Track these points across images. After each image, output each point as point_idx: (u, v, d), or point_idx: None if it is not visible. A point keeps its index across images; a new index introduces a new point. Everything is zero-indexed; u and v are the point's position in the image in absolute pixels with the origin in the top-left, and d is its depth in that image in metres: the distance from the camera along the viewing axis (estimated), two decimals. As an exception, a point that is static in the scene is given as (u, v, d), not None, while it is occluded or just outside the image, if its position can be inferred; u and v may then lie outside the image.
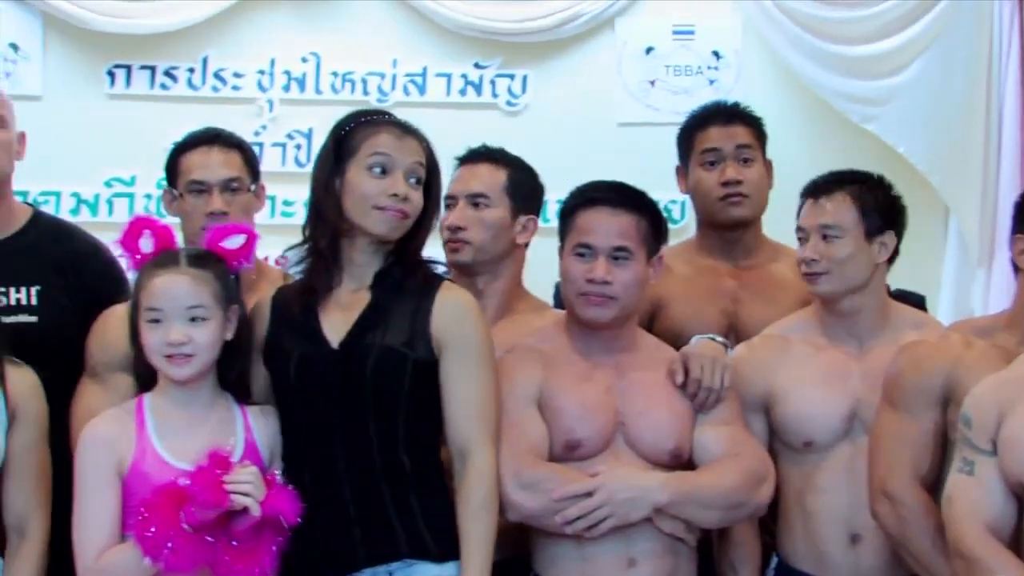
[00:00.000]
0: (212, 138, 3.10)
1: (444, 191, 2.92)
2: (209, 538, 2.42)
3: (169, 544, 2.38)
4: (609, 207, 2.79)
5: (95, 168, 4.88)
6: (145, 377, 2.60)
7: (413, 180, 2.61)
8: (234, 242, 2.62)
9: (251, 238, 2.64)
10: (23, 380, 2.67)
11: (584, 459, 2.72)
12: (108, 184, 4.91)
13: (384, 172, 2.59)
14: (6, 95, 3.20)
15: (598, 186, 2.87)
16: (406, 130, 2.65)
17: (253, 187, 3.10)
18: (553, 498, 2.63)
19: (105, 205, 4.90)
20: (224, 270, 2.58)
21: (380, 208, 2.58)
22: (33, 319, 3.02)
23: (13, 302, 3.01)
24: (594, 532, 2.63)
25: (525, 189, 3.14)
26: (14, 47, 4.84)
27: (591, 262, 2.76)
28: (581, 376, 2.79)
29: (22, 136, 3.19)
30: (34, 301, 3.04)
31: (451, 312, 2.60)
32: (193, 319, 2.50)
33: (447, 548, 2.53)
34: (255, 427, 2.59)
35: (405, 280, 2.62)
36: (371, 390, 2.55)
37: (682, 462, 2.78)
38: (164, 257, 2.55)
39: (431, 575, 2.55)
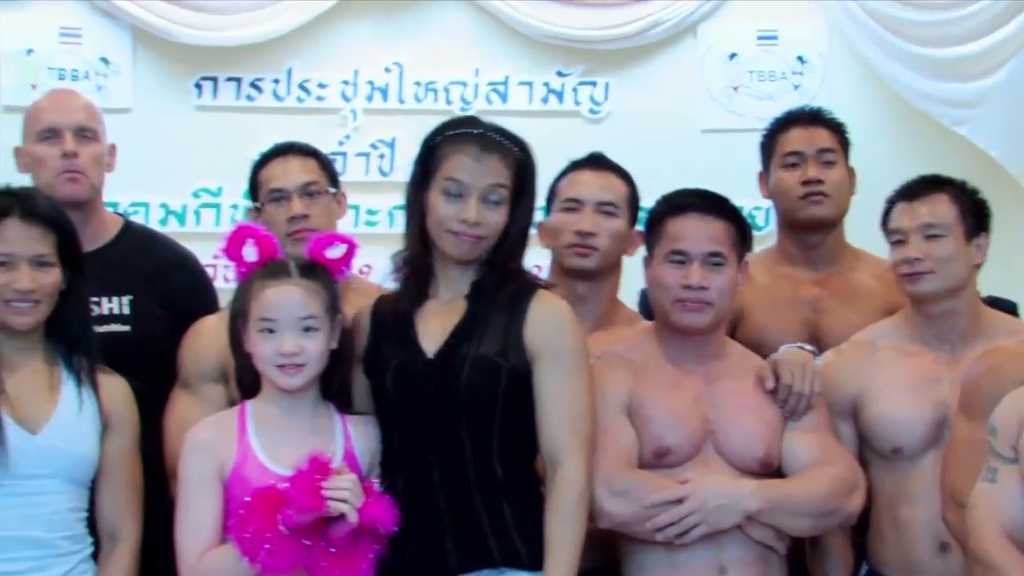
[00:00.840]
0: (286, 148, 3.14)
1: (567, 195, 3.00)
2: (306, 542, 2.44)
3: (267, 546, 2.40)
4: (700, 213, 2.79)
5: (183, 179, 4.95)
6: (247, 385, 2.63)
7: (491, 200, 2.60)
8: (336, 251, 2.64)
9: (351, 247, 2.66)
10: (116, 389, 2.71)
11: (673, 467, 2.72)
12: (195, 195, 4.97)
13: (458, 196, 2.59)
14: (97, 109, 3.26)
15: (687, 193, 2.86)
16: (488, 146, 2.60)
17: (332, 191, 3.11)
18: (644, 505, 2.63)
19: (193, 215, 4.96)
20: (330, 280, 2.60)
21: (453, 232, 2.58)
22: (125, 328, 3.06)
23: (106, 312, 3.06)
24: (685, 539, 2.63)
25: (636, 202, 3.16)
26: (105, 61, 4.92)
27: (685, 268, 2.76)
28: (670, 384, 2.78)
29: (112, 148, 3.24)
30: (126, 311, 3.08)
31: (546, 321, 2.60)
32: (305, 329, 2.53)
33: (540, 556, 2.53)
34: (354, 436, 2.60)
35: (500, 290, 2.62)
36: (465, 400, 2.55)
37: (771, 470, 2.77)
38: (274, 267, 2.58)
39: None
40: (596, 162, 3.18)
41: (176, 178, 4.93)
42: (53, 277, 2.61)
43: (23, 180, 3.11)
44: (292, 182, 3.04)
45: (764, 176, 3.47)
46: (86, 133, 3.12)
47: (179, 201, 4.95)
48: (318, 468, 2.43)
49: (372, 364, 2.65)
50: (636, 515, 2.64)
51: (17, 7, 4.88)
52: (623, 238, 3.11)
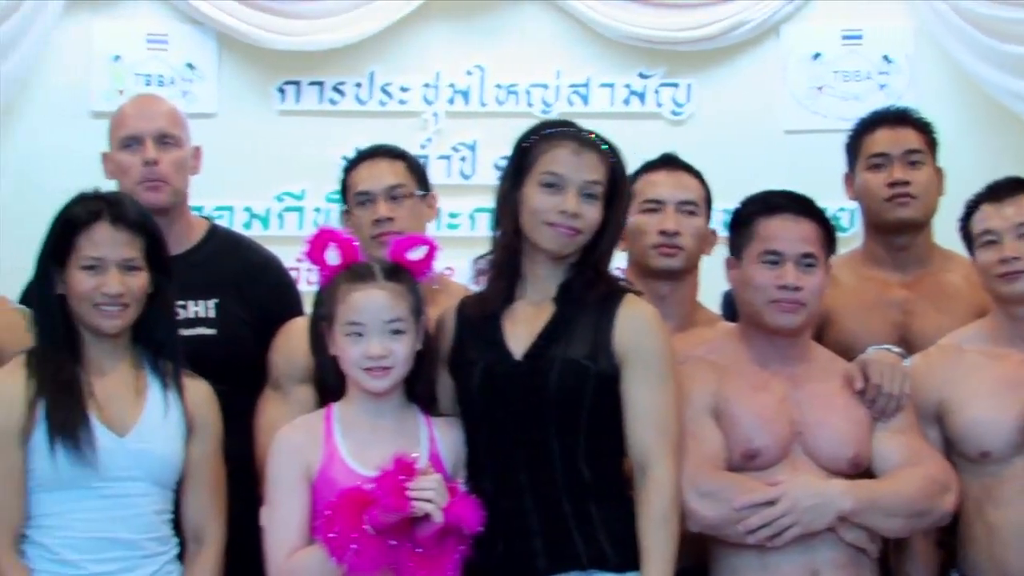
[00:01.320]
0: (375, 151, 3.14)
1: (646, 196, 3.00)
2: (392, 542, 2.45)
3: (353, 545, 2.42)
4: (792, 214, 2.78)
5: (266, 183, 4.99)
6: (327, 387, 2.65)
7: (588, 196, 2.60)
8: (417, 253, 2.64)
9: (432, 249, 2.66)
10: (200, 392, 2.73)
11: (762, 469, 2.70)
12: (279, 198, 5.01)
13: (556, 189, 2.59)
14: (180, 113, 3.29)
15: (777, 194, 2.85)
16: (586, 144, 2.63)
17: (421, 194, 3.10)
18: (734, 507, 2.62)
19: (276, 219, 5.01)
20: (414, 283, 2.61)
21: (550, 224, 2.58)
22: (212, 331, 3.09)
23: (192, 315, 3.08)
24: (777, 541, 2.61)
25: (711, 200, 3.16)
26: (190, 66, 4.99)
27: (779, 269, 2.74)
28: (756, 386, 2.77)
29: (197, 151, 3.27)
30: (212, 314, 3.11)
31: (634, 325, 2.60)
32: (393, 332, 2.54)
33: (627, 558, 2.52)
34: (439, 438, 2.61)
35: (588, 292, 2.62)
36: (553, 402, 2.55)
37: (861, 470, 2.74)
38: (359, 270, 2.59)
39: None
40: (670, 162, 3.18)
41: (260, 182, 4.98)
42: (141, 281, 2.64)
43: (113, 184, 3.17)
44: (378, 185, 3.04)
45: (850, 177, 3.43)
46: (167, 139, 3.14)
47: (263, 205, 5.00)
48: (403, 468, 2.44)
49: (457, 365, 2.66)
50: (726, 517, 2.62)
51: (106, 15, 4.96)
52: (704, 237, 3.12)
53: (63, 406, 2.56)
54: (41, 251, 2.67)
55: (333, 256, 2.61)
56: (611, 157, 2.65)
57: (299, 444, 2.57)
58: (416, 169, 3.13)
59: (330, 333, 2.58)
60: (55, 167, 4.72)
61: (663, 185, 3.11)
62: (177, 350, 2.73)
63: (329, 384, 2.64)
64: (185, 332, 2.93)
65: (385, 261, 2.63)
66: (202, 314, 3.10)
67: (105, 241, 2.61)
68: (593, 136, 2.66)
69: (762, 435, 2.70)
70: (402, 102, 5.07)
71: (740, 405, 2.73)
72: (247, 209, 4.96)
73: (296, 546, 2.51)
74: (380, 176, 3.06)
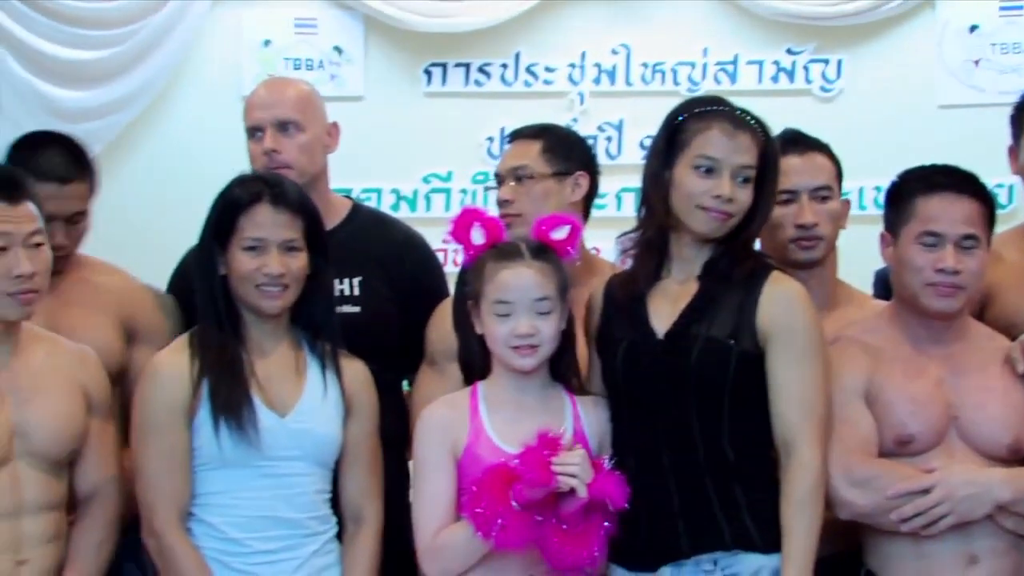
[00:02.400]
0: (516, 132, 3.12)
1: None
2: (538, 518, 2.45)
3: (499, 520, 2.42)
4: (954, 192, 2.67)
5: (413, 165, 5.04)
6: (471, 365, 2.66)
7: (741, 179, 2.56)
8: (561, 232, 2.63)
9: (575, 228, 2.65)
10: (357, 372, 2.76)
11: (916, 455, 2.63)
12: (426, 180, 5.06)
13: (710, 172, 2.56)
14: (307, 94, 3.23)
15: (939, 171, 2.75)
16: (740, 125, 2.58)
17: (557, 173, 3.01)
18: (887, 496, 2.56)
19: (423, 200, 5.05)
20: (560, 262, 2.60)
21: (704, 208, 2.55)
22: (356, 310, 3.10)
23: (337, 293, 3.07)
24: (932, 530, 2.55)
25: (841, 172, 3.05)
26: (338, 50, 5.05)
27: (939, 251, 2.65)
28: (911, 369, 2.69)
29: (334, 128, 3.24)
30: (356, 292, 3.12)
31: (779, 303, 2.55)
32: (541, 311, 2.54)
33: (773, 538, 2.49)
34: (584, 415, 2.61)
35: (733, 270, 2.58)
36: (694, 382, 2.53)
37: (1020, 456, 2.65)
38: (506, 249, 2.59)
39: (757, 565, 2.50)
40: (797, 143, 3.03)
41: (407, 164, 5.03)
42: (301, 262, 2.66)
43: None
44: (503, 167, 3.04)
45: (1014, 151, 3.30)
46: (288, 125, 3.14)
47: (410, 186, 5.04)
48: (547, 443, 2.44)
49: (603, 344, 2.65)
50: (878, 506, 2.57)
51: (256, 2, 5.05)
52: (840, 217, 3.01)
53: (226, 386, 2.60)
54: (203, 232, 2.70)
55: (478, 235, 2.61)
56: (763, 136, 2.60)
57: (446, 422, 2.58)
58: (555, 148, 3.05)
59: (476, 311, 2.59)
60: (208, 152, 4.83)
61: (795, 173, 2.95)
62: (336, 331, 2.75)
63: (474, 362, 2.65)
64: None
65: (531, 240, 2.63)
66: (347, 292, 3.11)
67: (266, 222, 2.63)
68: (746, 115, 2.61)
69: (916, 420, 2.63)
70: (548, 82, 5.07)
71: (894, 389, 2.66)
72: (394, 191, 5.01)
73: (443, 523, 2.52)
74: (506, 158, 3.05)
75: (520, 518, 2.43)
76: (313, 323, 2.74)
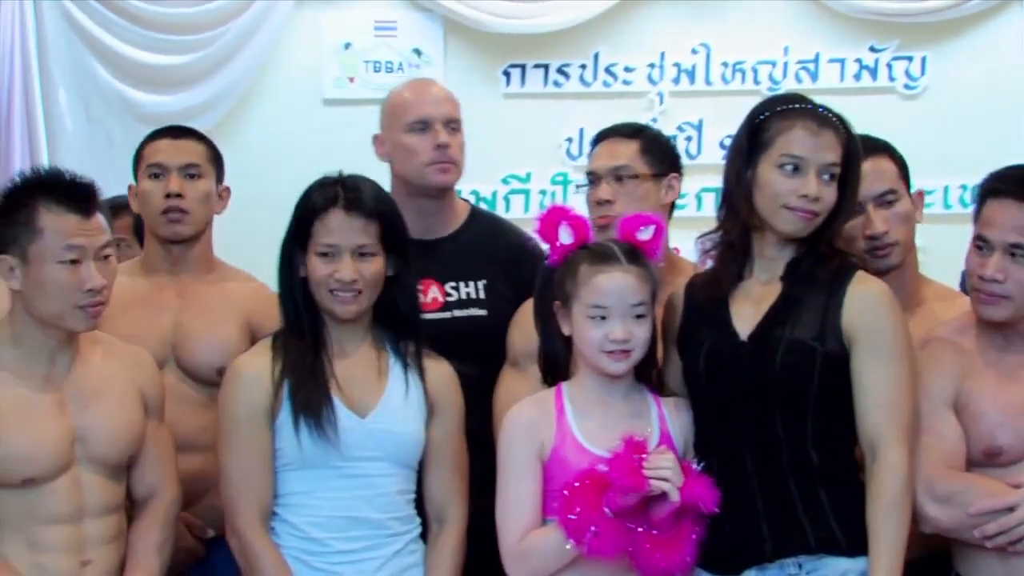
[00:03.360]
0: (609, 131, 3.10)
1: None
2: (630, 524, 2.44)
3: (593, 528, 2.40)
4: (1014, 200, 2.59)
5: (492, 166, 5.04)
6: (553, 365, 2.64)
7: (826, 177, 2.53)
8: (646, 233, 2.61)
9: (659, 229, 2.62)
10: (441, 372, 2.75)
11: (1006, 466, 2.57)
12: (505, 181, 5.06)
13: (796, 171, 2.53)
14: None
15: (1005, 175, 2.67)
16: (824, 123, 2.55)
17: (656, 174, 2.98)
18: (969, 513, 2.50)
19: (502, 201, 5.05)
20: (651, 265, 2.58)
21: (790, 208, 2.53)
22: (483, 312, 3.11)
23: (464, 296, 3.11)
24: (1018, 548, 2.49)
25: (907, 169, 2.99)
26: (417, 52, 5.07)
27: (987, 257, 2.60)
28: (1002, 375, 2.62)
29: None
30: (482, 295, 3.13)
31: (864, 304, 2.51)
32: (636, 316, 2.52)
33: (859, 542, 2.45)
34: (670, 418, 2.58)
35: (817, 270, 2.55)
36: (779, 385, 2.49)
37: None
38: (602, 252, 2.56)
39: (842, 569, 2.47)
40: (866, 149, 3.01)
41: (486, 165, 5.00)
42: (375, 266, 2.66)
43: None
44: (602, 166, 3.02)
45: None
46: (453, 124, 3.20)
47: (489, 188, 5.05)
48: (636, 447, 2.42)
49: (685, 346, 2.63)
50: (961, 522, 2.51)
51: (336, 5, 5.09)
52: (912, 216, 2.89)
53: (306, 387, 2.61)
54: (285, 236, 2.72)
55: (566, 235, 2.60)
56: (845, 133, 2.57)
57: (532, 422, 2.56)
58: (653, 150, 3.02)
59: (564, 313, 2.58)
60: (290, 154, 4.87)
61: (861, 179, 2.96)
62: (419, 331, 2.75)
63: (557, 363, 2.64)
64: (458, 313, 3.01)
65: (622, 243, 2.60)
66: (473, 295, 3.12)
67: (339, 228, 2.63)
68: (828, 112, 2.57)
69: (1007, 432, 2.56)
70: (626, 83, 5.05)
71: (983, 398, 2.59)
72: (474, 192, 5.01)
73: (529, 527, 2.51)
74: (603, 157, 3.03)
75: (613, 526, 2.41)
76: (396, 324, 2.74)
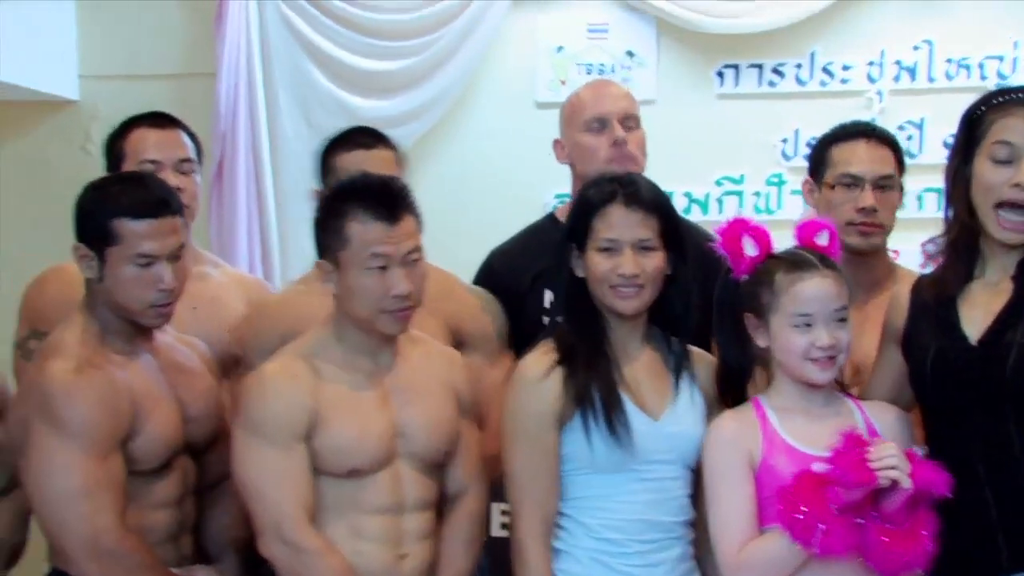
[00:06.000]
0: (867, 132, 3.04)
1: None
2: (859, 520, 2.39)
3: (821, 526, 2.37)
4: None
5: (706, 168, 4.98)
6: (737, 378, 2.62)
7: None
8: (823, 238, 2.60)
9: (833, 233, 2.61)
10: (709, 370, 2.74)
11: None
12: (719, 183, 5.00)
13: (1010, 162, 2.42)
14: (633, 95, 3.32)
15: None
16: None
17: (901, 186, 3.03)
18: None
19: (716, 203, 4.99)
20: (839, 268, 2.56)
21: (1004, 203, 2.42)
22: None
23: None
24: None
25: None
26: (630, 54, 5.05)
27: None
28: None
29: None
30: None
31: None
32: (839, 320, 2.51)
33: None
34: (874, 418, 2.55)
35: None
36: (1011, 391, 2.40)
37: None
38: (799, 259, 2.55)
39: None
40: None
41: (699, 167, 4.98)
42: (656, 261, 2.65)
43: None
44: (870, 172, 2.96)
45: None
46: (630, 121, 3.20)
47: (703, 190, 4.99)
48: (857, 442, 2.39)
49: (910, 347, 2.57)
50: None
51: (551, 8, 5.10)
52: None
53: (596, 390, 2.61)
54: (562, 235, 2.74)
55: (750, 247, 2.57)
56: None
57: (737, 434, 2.54)
58: (901, 160, 3.04)
59: (759, 324, 2.54)
60: (504, 158, 4.91)
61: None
62: (691, 331, 2.74)
63: (742, 376, 2.60)
64: None
65: (810, 249, 2.57)
66: None
67: (619, 222, 2.64)
68: None
69: None
70: (844, 81, 4.93)
71: None
72: (687, 194, 4.96)
73: (747, 537, 2.49)
74: (870, 162, 2.97)
75: (841, 523, 2.37)
76: (670, 323, 2.72)
